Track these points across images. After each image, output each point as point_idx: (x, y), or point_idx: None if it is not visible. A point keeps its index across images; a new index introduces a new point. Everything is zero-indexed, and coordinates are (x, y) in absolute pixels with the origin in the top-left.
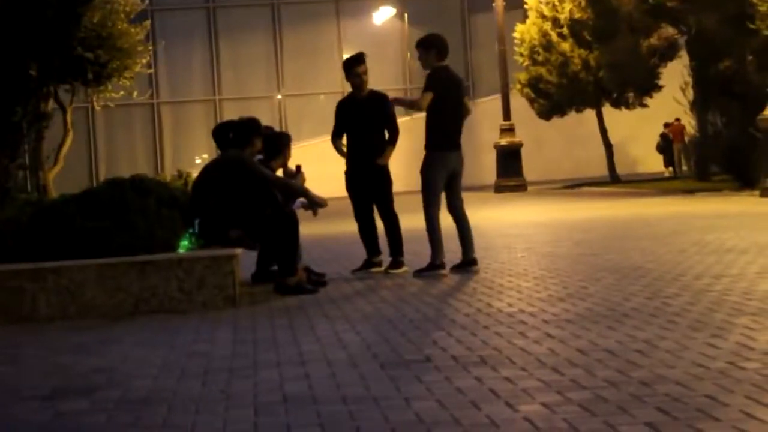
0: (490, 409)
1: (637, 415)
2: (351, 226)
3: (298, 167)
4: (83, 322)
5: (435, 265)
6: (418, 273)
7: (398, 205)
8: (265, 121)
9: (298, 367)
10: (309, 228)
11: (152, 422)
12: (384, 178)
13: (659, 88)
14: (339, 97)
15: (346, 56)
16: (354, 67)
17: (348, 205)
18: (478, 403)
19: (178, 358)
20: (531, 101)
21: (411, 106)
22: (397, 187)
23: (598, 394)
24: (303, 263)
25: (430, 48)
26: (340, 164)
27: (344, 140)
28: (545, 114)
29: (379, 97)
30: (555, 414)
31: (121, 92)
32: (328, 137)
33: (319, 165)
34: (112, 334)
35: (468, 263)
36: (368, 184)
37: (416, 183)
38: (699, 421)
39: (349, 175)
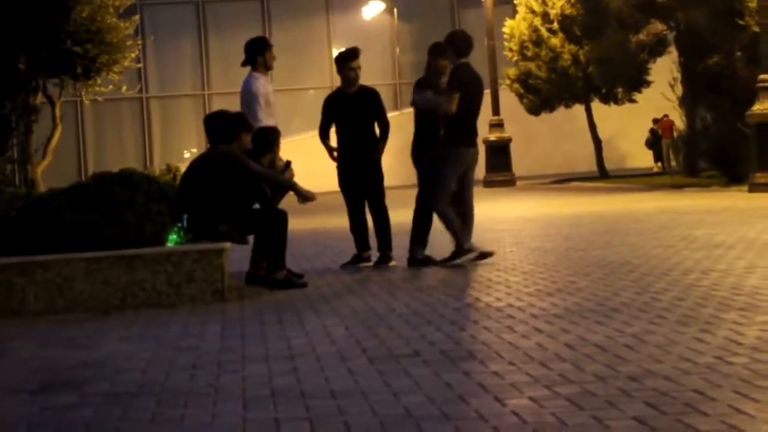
0: (479, 404)
1: (625, 410)
2: (339, 221)
3: (288, 163)
4: (71, 316)
5: (463, 250)
6: (445, 262)
7: (387, 199)
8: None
9: (286, 361)
10: (297, 222)
11: (140, 416)
12: (377, 172)
13: (648, 83)
14: (329, 92)
15: (335, 51)
16: (349, 61)
17: (336, 199)
18: (466, 397)
19: (166, 352)
20: (520, 96)
21: (439, 107)
22: (386, 181)
23: (587, 388)
24: None
25: (451, 45)
26: (329, 159)
27: (332, 136)
28: (534, 109)
29: (369, 92)
30: (543, 408)
31: (110, 86)
32: (318, 132)
33: (308, 160)
34: (100, 328)
35: (457, 256)
36: (361, 179)
37: (406, 178)
38: (687, 416)
39: (341, 170)
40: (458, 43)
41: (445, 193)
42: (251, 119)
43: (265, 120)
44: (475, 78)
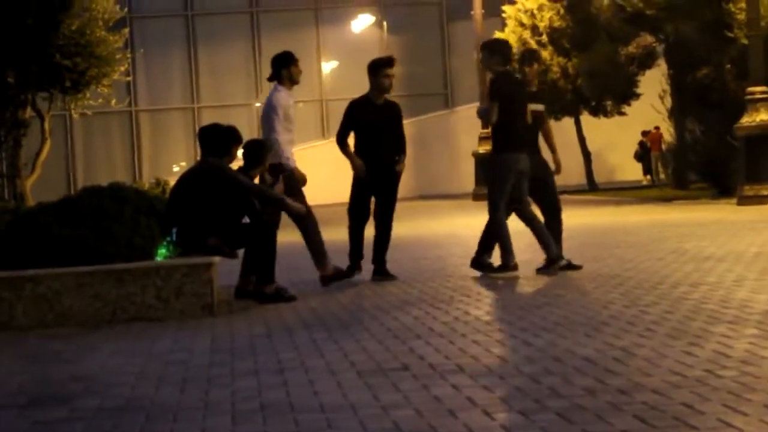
0: (468, 417)
1: (614, 423)
2: (327, 234)
3: (278, 177)
4: (61, 331)
5: (508, 266)
6: (490, 273)
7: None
8: (243, 128)
9: (275, 375)
10: (287, 235)
11: (130, 431)
12: (396, 185)
13: (637, 96)
14: (318, 105)
15: (324, 64)
16: (384, 68)
17: (326, 212)
18: (455, 411)
19: (155, 366)
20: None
21: (485, 117)
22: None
23: (576, 402)
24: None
25: (495, 52)
26: (318, 171)
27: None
28: None
29: (393, 105)
30: (532, 422)
31: (100, 100)
32: (307, 145)
33: None
34: (89, 342)
35: (552, 261)
36: (378, 190)
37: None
38: (676, 429)
39: (362, 179)
40: (505, 51)
41: (502, 200)
42: (269, 130)
43: (282, 132)
44: (516, 83)
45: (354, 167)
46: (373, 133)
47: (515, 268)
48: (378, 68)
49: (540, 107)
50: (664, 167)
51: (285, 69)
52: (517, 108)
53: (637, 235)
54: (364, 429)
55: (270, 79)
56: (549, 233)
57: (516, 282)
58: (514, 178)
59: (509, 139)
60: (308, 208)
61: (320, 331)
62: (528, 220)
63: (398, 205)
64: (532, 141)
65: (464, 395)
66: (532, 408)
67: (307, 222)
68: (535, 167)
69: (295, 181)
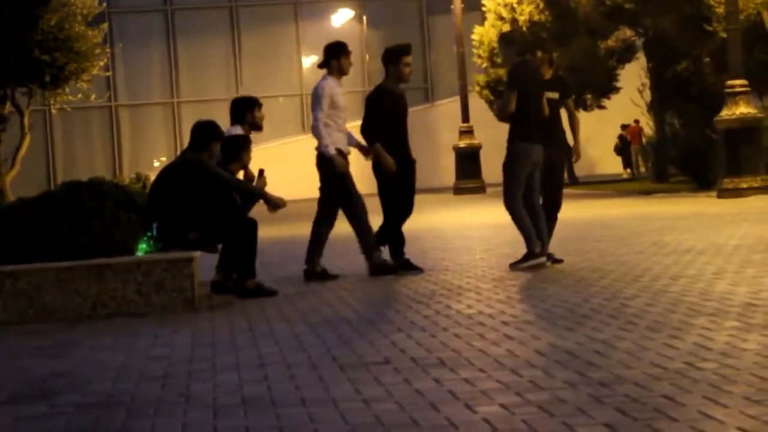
0: (449, 411)
1: (595, 416)
2: (309, 229)
3: (261, 171)
4: (41, 326)
5: (533, 254)
6: (515, 265)
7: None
8: (223, 124)
9: (257, 369)
10: (268, 231)
11: (111, 426)
12: (414, 176)
13: (617, 89)
14: (297, 100)
15: (304, 59)
16: (403, 56)
17: (306, 207)
18: (437, 404)
19: (136, 361)
20: (490, 103)
21: (500, 109)
22: (362, 189)
23: (557, 395)
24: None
25: (512, 44)
26: (299, 167)
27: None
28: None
29: (404, 95)
30: (514, 415)
31: (79, 95)
32: (287, 140)
33: (279, 167)
34: (70, 337)
35: (529, 256)
36: (403, 180)
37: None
38: (657, 422)
39: (390, 176)
40: (519, 41)
41: (517, 189)
42: (313, 118)
43: (326, 120)
44: (535, 73)
45: (387, 166)
46: (395, 123)
47: (541, 254)
48: (399, 57)
49: (554, 95)
50: (644, 161)
51: (335, 59)
52: (533, 99)
53: (618, 228)
54: (345, 423)
55: (320, 66)
56: (544, 228)
57: (497, 276)
58: (528, 169)
59: (524, 129)
60: (350, 197)
61: (302, 325)
62: (531, 208)
63: (377, 200)
64: (549, 132)
65: (446, 388)
66: (513, 401)
67: (322, 213)
68: (548, 157)
69: (331, 169)
